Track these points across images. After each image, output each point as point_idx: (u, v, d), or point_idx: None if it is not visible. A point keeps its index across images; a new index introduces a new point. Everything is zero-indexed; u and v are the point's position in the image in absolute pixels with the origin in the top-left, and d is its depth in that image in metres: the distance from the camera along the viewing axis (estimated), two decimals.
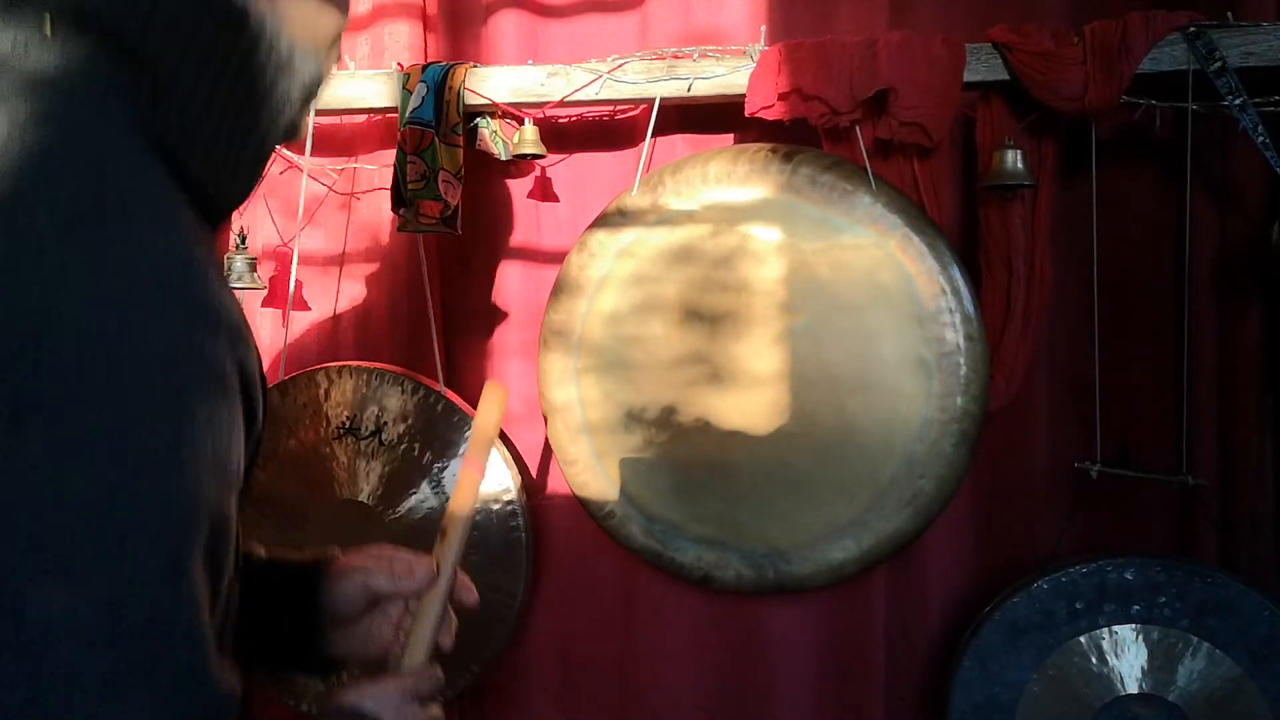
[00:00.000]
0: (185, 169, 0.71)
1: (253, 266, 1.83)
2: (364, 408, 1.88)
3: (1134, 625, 1.68)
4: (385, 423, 1.88)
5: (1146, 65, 1.60)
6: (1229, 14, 1.60)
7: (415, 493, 1.88)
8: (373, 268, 1.98)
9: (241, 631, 0.82)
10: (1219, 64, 1.57)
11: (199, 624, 0.65)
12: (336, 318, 2.00)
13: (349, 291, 2.00)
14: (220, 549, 0.70)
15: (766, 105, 1.67)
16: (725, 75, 1.71)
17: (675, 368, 1.79)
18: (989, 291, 1.75)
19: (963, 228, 1.83)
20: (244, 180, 0.76)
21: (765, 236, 1.75)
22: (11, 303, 0.59)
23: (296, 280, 1.88)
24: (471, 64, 1.79)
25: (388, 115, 1.87)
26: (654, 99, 1.73)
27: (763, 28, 1.76)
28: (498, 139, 1.80)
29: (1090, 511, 1.81)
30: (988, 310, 1.74)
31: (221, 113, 0.71)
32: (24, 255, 0.60)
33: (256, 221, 1.96)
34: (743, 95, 1.69)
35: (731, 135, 1.87)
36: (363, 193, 1.98)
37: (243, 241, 1.84)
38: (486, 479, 1.86)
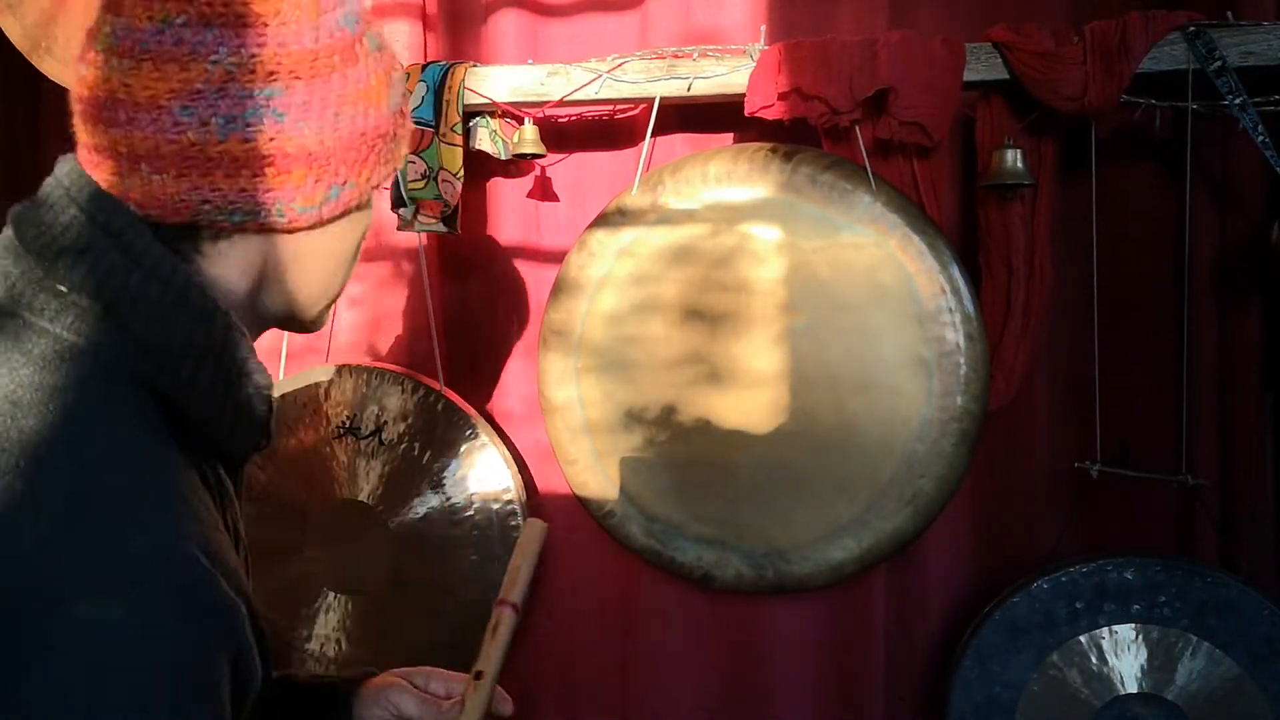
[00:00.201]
0: (186, 415, 0.78)
1: None
2: (364, 407, 1.88)
3: (1134, 625, 1.68)
4: (385, 422, 1.88)
5: (1146, 65, 1.60)
6: (1229, 13, 1.60)
7: (415, 492, 1.88)
8: (373, 268, 1.98)
9: None
10: (1219, 63, 1.57)
11: None
12: (337, 317, 2.00)
13: (349, 291, 1.99)
14: None
15: (766, 105, 1.67)
16: (725, 75, 1.71)
17: (675, 367, 1.79)
18: (989, 291, 1.75)
19: (962, 227, 1.83)
20: (244, 435, 0.83)
21: (765, 236, 1.75)
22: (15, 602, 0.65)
23: None
24: (471, 63, 1.79)
25: None
26: (654, 98, 1.73)
27: (763, 27, 1.76)
28: (497, 139, 1.80)
29: (1090, 511, 1.81)
30: (987, 309, 1.74)
31: (207, 382, 0.78)
32: (20, 555, 0.66)
33: None
34: (742, 95, 1.69)
35: (731, 135, 1.87)
36: None
37: None
38: (485, 479, 1.86)
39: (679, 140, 1.89)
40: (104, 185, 0.78)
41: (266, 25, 0.76)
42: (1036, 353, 1.79)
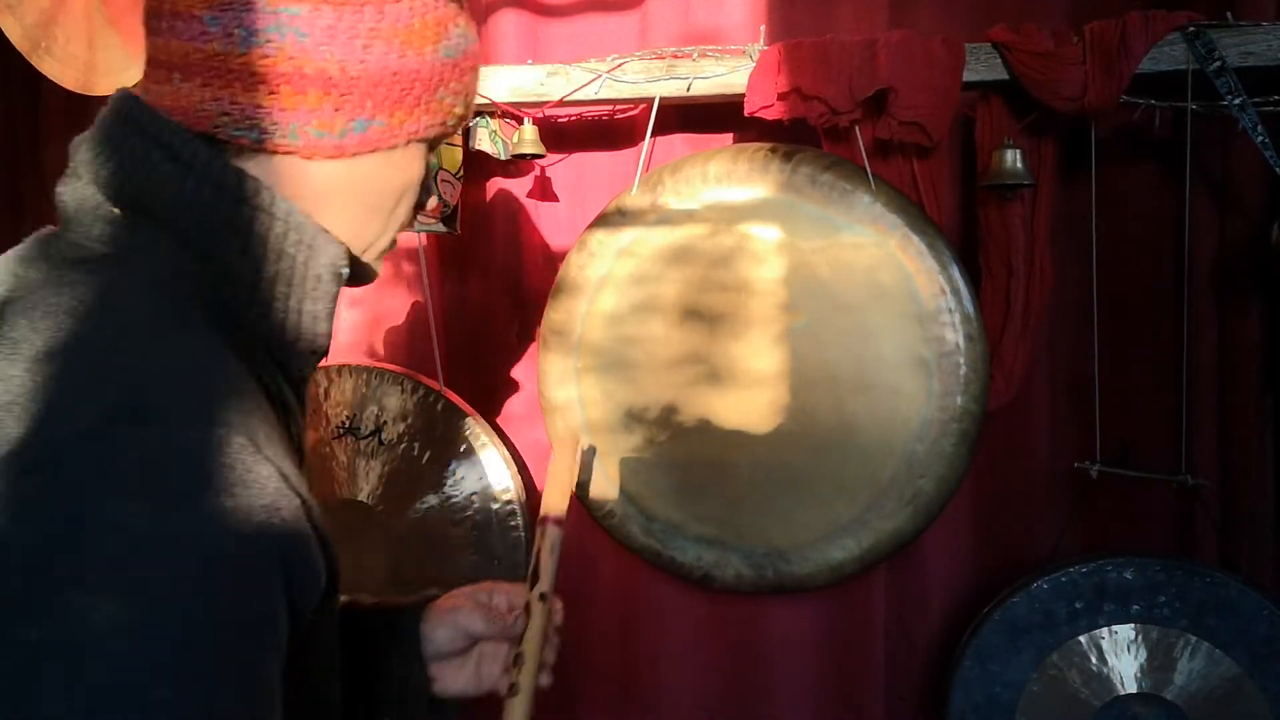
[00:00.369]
0: (250, 325, 0.79)
1: None
2: (364, 407, 1.88)
3: (1134, 625, 1.68)
4: (385, 422, 1.88)
5: (1146, 65, 1.60)
6: (1228, 14, 1.60)
7: (415, 493, 1.88)
8: None
9: (352, 686, 0.85)
10: (1218, 64, 1.57)
11: None
12: (337, 317, 2.00)
13: (349, 291, 1.98)
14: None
15: (766, 105, 1.67)
16: (725, 75, 1.71)
17: (675, 367, 1.79)
18: (989, 291, 1.76)
19: (962, 227, 1.83)
20: (307, 337, 0.84)
21: (765, 236, 1.75)
22: (49, 498, 0.63)
23: None
24: None
25: None
26: (653, 99, 1.73)
27: (762, 27, 1.76)
28: (497, 139, 1.80)
29: (1090, 511, 1.81)
30: (987, 310, 1.74)
31: (257, 272, 0.79)
32: (67, 453, 0.64)
33: None
34: (742, 95, 1.69)
35: (731, 135, 1.87)
36: None
37: None
38: (485, 479, 1.86)
39: (678, 140, 1.89)
40: (147, 97, 0.80)
41: None
42: (1036, 353, 1.79)
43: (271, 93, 0.78)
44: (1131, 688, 1.70)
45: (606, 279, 1.81)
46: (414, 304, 1.95)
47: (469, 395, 1.92)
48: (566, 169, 1.95)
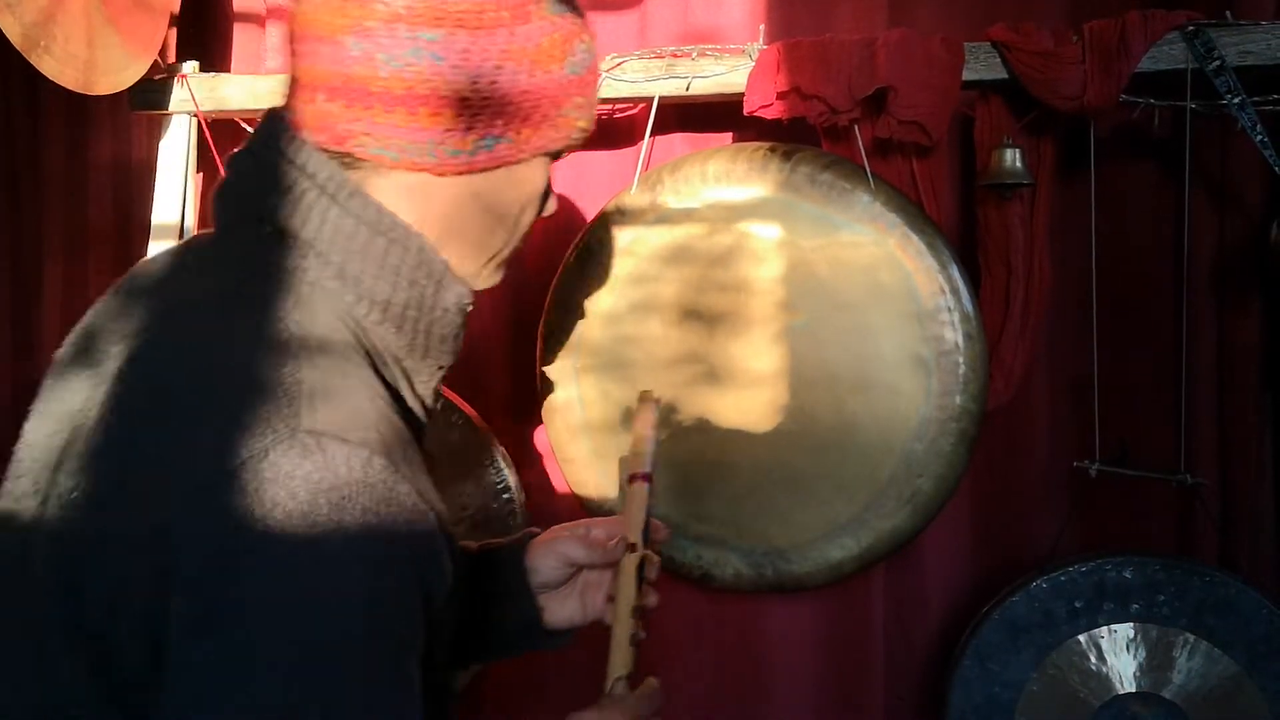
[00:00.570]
0: (379, 336, 0.84)
1: None
2: None
3: (1133, 624, 1.68)
4: None
5: (1145, 64, 1.60)
6: (1227, 13, 1.60)
7: None
8: None
9: (468, 626, 0.92)
10: (1217, 63, 1.57)
11: None
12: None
13: None
14: None
15: (765, 104, 1.67)
16: (724, 74, 1.71)
17: (674, 367, 1.79)
18: (988, 290, 1.76)
19: (961, 226, 1.83)
20: (434, 354, 0.90)
21: (764, 235, 1.75)
22: (209, 525, 0.69)
23: None
24: None
25: None
26: (653, 98, 1.73)
27: (761, 27, 1.76)
28: None
29: (1089, 511, 1.81)
30: (986, 309, 1.74)
31: (390, 296, 0.84)
32: (223, 483, 0.69)
33: None
34: (741, 94, 1.69)
35: (730, 134, 1.87)
36: None
37: None
38: (485, 479, 1.86)
39: (678, 140, 1.89)
40: (292, 117, 0.85)
41: None
42: (1035, 352, 1.79)
43: (410, 114, 0.82)
44: (1131, 687, 1.70)
45: (606, 278, 1.81)
46: None
47: (468, 395, 1.92)
48: (565, 168, 1.93)
